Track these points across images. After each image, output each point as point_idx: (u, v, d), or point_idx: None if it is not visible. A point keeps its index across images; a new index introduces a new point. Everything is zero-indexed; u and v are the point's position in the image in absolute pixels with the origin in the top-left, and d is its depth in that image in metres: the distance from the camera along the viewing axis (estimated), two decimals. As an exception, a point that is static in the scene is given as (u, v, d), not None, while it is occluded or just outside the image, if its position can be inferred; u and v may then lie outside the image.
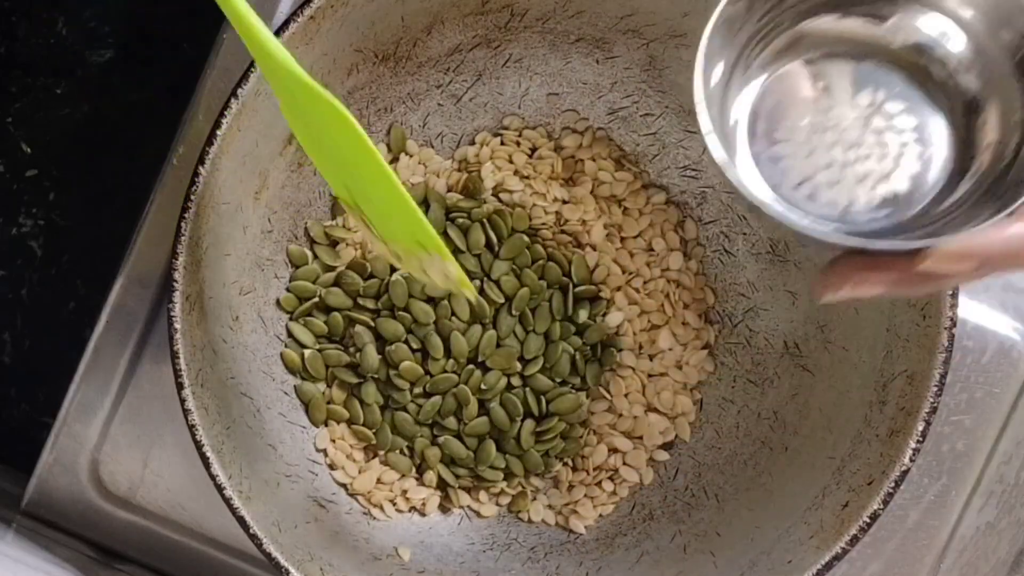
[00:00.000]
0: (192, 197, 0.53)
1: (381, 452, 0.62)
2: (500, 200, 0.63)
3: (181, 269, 0.54)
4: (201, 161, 0.53)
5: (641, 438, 0.63)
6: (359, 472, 0.62)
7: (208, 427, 0.55)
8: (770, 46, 0.47)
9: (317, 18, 0.54)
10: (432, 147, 0.63)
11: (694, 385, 0.63)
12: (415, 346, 0.62)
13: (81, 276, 0.71)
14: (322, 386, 0.62)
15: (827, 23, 0.47)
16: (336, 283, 0.62)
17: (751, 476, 0.61)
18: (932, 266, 0.43)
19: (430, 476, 0.62)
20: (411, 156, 0.63)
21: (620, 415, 0.63)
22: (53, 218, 0.70)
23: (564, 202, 0.63)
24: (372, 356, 0.61)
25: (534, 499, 0.63)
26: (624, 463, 0.63)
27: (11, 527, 0.62)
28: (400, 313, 0.61)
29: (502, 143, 0.63)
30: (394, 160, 0.63)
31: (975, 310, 0.64)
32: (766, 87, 0.48)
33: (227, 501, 0.54)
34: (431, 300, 0.61)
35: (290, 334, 0.62)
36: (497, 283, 0.62)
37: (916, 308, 0.56)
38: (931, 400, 0.55)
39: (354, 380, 0.62)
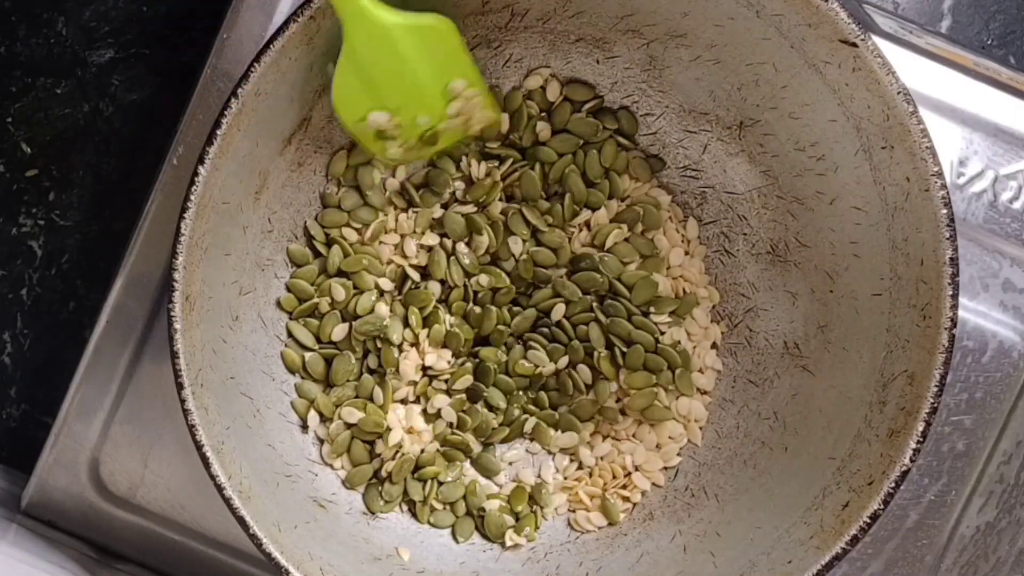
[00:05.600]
0: (192, 197, 0.53)
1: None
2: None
3: (181, 269, 0.54)
4: (201, 161, 0.53)
5: (658, 447, 0.63)
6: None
7: (208, 427, 0.55)
8: None
9: (317, 18, 0.54)
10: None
11: (707, 390, 0.63)
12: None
13: (81, 276, 0.71)
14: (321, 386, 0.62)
15: None
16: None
17: (751, 476, 0.61)
18: None
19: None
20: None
21: (639, 423, 0.63)
22: (53, 218, 0.70)
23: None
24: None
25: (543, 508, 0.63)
26: (637, 469, 0.63)
27: (11, 527, 0.62)
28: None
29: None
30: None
31: (975, 310, 0.64)
32: None
33: (227, 501, 0.54)
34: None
35: (290, 334, 0.62)
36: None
37: (916, 308, 0.56)
38: (931, 400, 0.55)
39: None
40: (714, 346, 0.64)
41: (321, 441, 0.62)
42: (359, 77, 0.57)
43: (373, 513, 0.62)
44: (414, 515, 0.62)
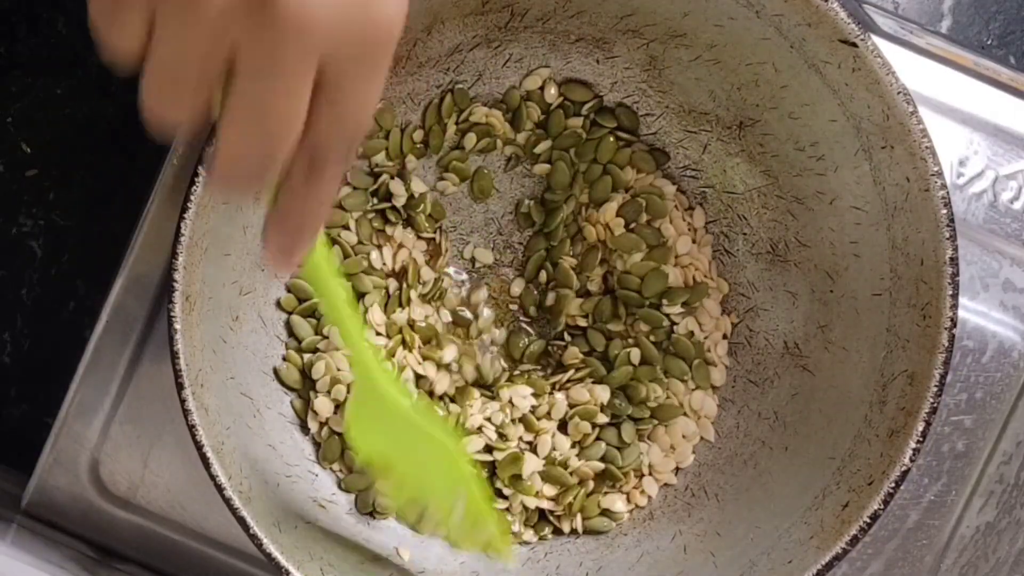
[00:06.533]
0: (192, 197, 0.53)
1: None
2: None
3: (181, 269, 0.54)
4: (201, 161, 0.53)
5: (672, 448, 0.63)
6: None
7: (208, 427, 0.55)
8: None
9: (317, 18, 0.54)
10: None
11: (719, 384, 0.63)
12: None
13: (81, 276, 0.71)
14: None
15: None
16: None
17: (751, 476, 0.61)
18: None
19: None
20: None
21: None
22: (53, 218, 0.70)
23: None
24: None
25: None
26: (650, 473, 0.63)
27: (11, 527, 0.62)
28: None
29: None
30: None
31: (975, 310, 0.64)
32: None
33: (227, 501, 0.54)
34: None
35: (291, 333, 0.62)
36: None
37: (916, 308, 0.56)
38: (931, 400, 0.55)
39: None
40: (725, 337, 0.63)
41: (318, 444, 0.62)
42: (368, 422, 0.56)
43: (373, 514, 0.62)
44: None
